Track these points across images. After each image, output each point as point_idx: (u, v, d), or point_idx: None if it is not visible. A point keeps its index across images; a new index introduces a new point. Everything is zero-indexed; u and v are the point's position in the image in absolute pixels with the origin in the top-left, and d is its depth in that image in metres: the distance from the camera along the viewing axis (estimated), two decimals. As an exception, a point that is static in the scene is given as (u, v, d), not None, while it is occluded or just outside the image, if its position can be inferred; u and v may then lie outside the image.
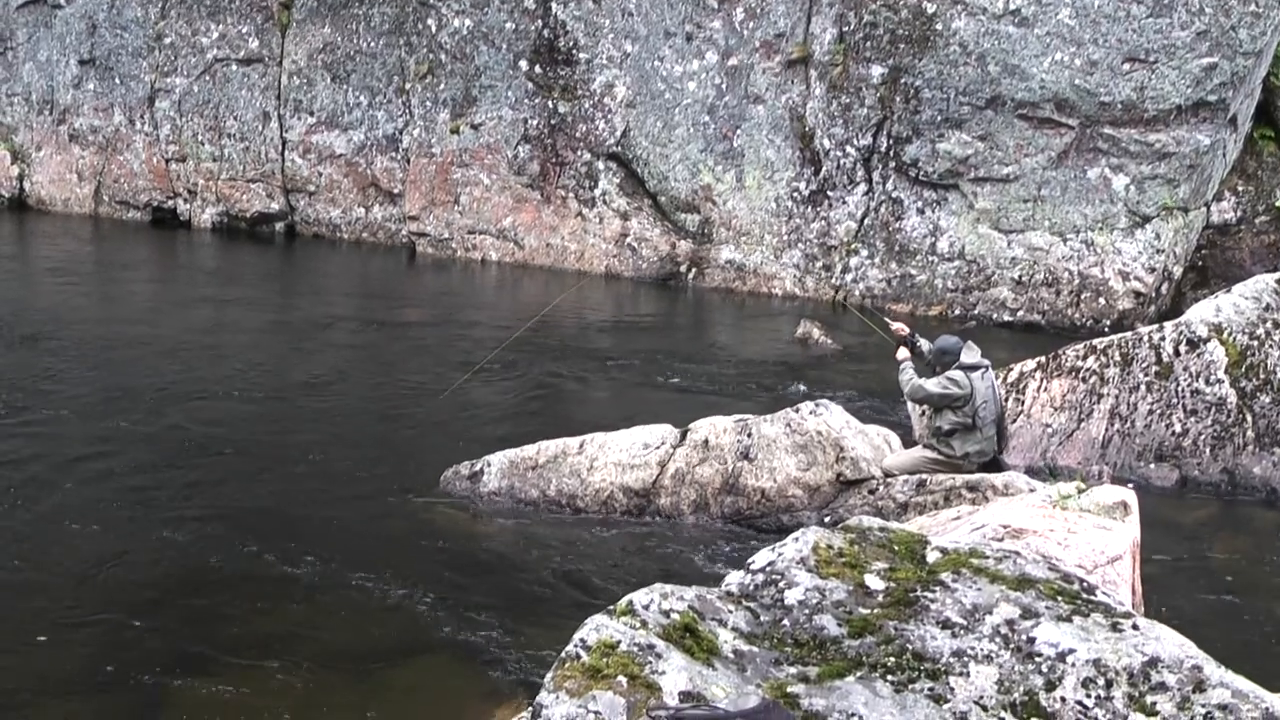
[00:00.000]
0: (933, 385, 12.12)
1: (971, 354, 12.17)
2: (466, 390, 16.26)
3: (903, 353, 12.74)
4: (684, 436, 12.14)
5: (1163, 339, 14.32)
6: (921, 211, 23.76)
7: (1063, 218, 22.75)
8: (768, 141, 24.88)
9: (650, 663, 4.35)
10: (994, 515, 8.04)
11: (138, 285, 24.07)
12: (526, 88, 26.61)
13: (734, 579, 5.12)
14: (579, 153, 26.39)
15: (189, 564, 10.27)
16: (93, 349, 17.52)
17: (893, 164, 23.86)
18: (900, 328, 13.34)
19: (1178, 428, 14.00)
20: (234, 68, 29.42)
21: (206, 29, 29.48)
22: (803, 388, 16.67)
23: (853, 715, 4.25)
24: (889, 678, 4.52)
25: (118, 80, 30.53)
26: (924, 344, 12.83)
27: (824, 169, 24.41)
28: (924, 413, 12.58)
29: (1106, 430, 14.21)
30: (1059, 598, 4.91)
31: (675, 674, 4.31)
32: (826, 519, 11.12)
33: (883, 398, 16.08)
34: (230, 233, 29.72)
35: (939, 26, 23.03)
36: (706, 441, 11.96)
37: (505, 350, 17.18)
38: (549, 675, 4.31)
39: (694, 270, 25.76)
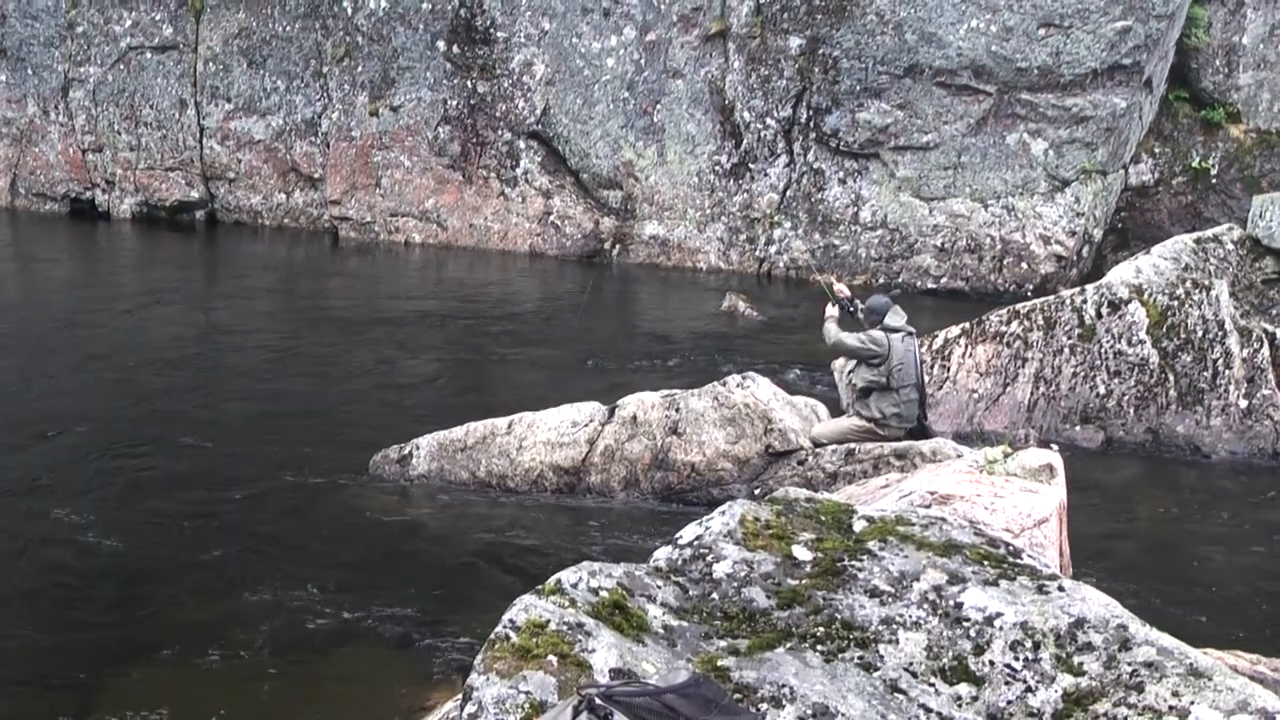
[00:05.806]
0: (851, 339, 12.27)
1: (897, 318, 12.24)
2: (393, 373, 16.21)
3: (831, 309, 12.83)
4: (612, 413, 12.12)
5: (1084, 302, 14.45)
6: (843, 181, 23.84)
7: (983, 184, 22.89)
8: (688, 115, 24.87)
9: (580, 641, 4.32)
10: (921, 482, 8.07)
11: (56, 276, 23.77)
12: (445, 68, 26.44)
13: (662, 554, 5.11)
14: (499, 132, 26.25)
15: (115, 554, 10.15)
16: (10, 341, 17.30)
17: (813, 135, 23.92)
18: (841, 288, 13.44)
19: (1102, 389, 14.14)
20: (149, 55, 29.00)
21: (119, 17, 29.02)
22: (718, 360, 16.70)
23: (783, 686, 4.25)
24: (819, 648, 4.52)
25: (30, 71, 30.02)
26: (862, 313, 12.89)
27: (745, 141, 24.44)
28: (850, 380, 12.64)
29: (1032, 394, 14.32)
30: (985, 562, 4.93)
31: (605, 651, 4.29)
32: (757, 491, 11.14)
33: (810, 368, 16.15)
34: (150, 222, 29.32)
35: (855, -4, 23.09)
36: (635, 417, 11.96)
37: (425, 333, 17.07)
38: (479, 657, 4.27)
39: (618, 246, 25.73)
